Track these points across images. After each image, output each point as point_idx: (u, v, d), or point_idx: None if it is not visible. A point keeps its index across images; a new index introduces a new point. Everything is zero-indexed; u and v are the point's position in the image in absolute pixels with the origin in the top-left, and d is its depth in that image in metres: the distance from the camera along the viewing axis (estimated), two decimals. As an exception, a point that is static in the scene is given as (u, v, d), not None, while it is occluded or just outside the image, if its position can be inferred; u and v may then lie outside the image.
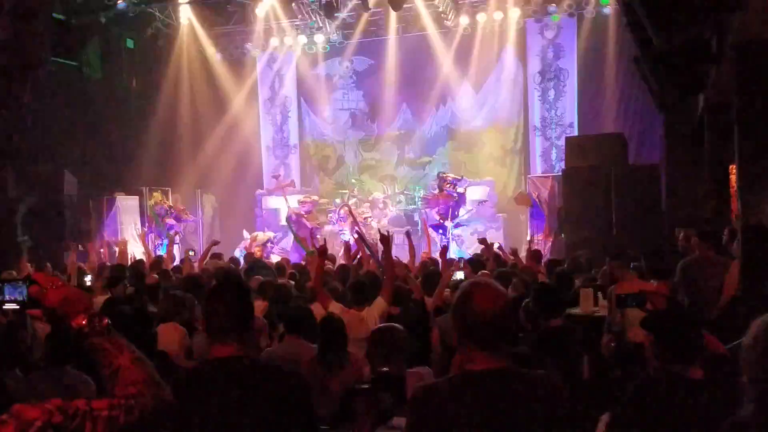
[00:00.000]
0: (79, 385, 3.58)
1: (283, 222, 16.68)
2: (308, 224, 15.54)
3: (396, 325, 3.92)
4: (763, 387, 2.02)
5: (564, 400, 2.25)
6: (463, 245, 15.35)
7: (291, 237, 15.78)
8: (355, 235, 9.92)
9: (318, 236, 15.57)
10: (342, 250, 10.60)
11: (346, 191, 16.89)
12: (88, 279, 7.57)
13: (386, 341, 3.67)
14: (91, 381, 3.58)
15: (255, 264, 9.37)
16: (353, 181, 17.67)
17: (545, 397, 2.22)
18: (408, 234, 9.87)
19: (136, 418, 1.71)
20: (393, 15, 16.40)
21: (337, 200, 16.87)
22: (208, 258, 9.78)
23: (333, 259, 9.97)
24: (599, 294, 6.25)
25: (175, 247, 12.87)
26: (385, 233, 5.86)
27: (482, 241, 9.44)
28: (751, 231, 6.52)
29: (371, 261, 8.23)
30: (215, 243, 10.28)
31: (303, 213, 16.35)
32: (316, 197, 16.95)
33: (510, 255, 9.35)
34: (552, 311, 4.66)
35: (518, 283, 6.28)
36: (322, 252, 5.76)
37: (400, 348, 3.66)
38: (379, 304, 5.15)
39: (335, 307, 5.04)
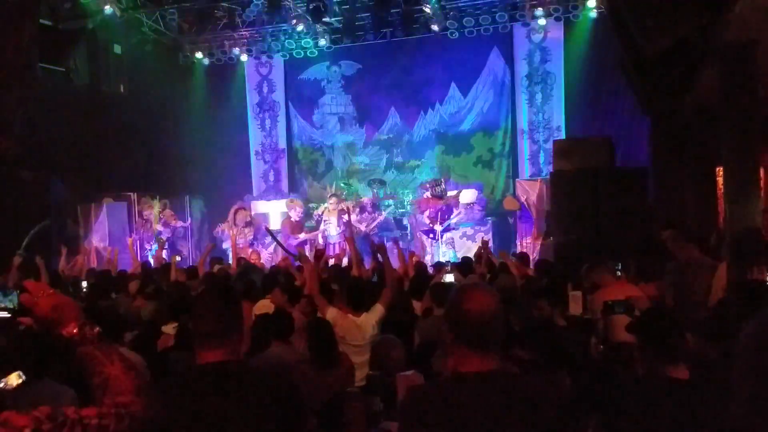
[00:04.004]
0: (59, 396, 3.53)
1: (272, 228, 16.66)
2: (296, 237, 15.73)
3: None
4: (754, 386, 2.04)
5: (557, 403, 2.26)
6: (453, 248, 15.38)
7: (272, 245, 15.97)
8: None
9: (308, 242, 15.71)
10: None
11: (333, 194, 16.84)
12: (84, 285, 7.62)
13: None
14: (73, 392, 3.54)
15: (248, 267, 9.44)
16: (342, 185, 17.69)
17: (538, 399, 2.23)
18: (396, 240, 9.92)
19: (126, 426, 1.70)
20: (381, 20, 16.44)
21: (326, 204, 16.80)
22: (207, 260, 9.83)
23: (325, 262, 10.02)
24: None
25: (164, 252, 12.87)
26: (381, 242, 5.86)
27: (484, 244, 9.90)
28: (739, 233, 6.57)
29: (361, 265, 8.24)
30: (212, 246, 10.32)
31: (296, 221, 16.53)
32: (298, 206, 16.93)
33: (500, 257, 9.48)
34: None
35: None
36: (318, 256, 5.76)
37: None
38: (378, 311, 5.15)
39: (332, 313, 5.05)
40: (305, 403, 2.68)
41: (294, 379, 2.75)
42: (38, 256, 8.65)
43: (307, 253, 9.75)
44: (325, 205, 16.44)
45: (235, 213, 16.51)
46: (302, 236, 16.00)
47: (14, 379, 1.76)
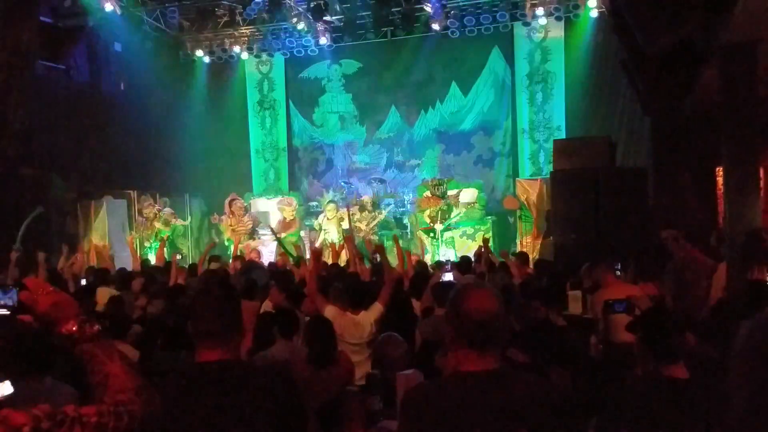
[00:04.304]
0: (59, 394, 3.51)
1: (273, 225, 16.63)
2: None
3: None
4: (751, 387, 2.04)
5: (557, 403, 2.26)
6: (453, 248, 15.37)
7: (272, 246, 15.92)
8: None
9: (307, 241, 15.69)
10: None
11: (330, 200, 16.79)
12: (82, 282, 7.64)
13: None
14: (73, 390, 3.53)
15: (250, 265, 9.45)
16: (342, 183, 17.68)
17: (538, 398, 2.23)
18: (395, 238, 9.90)
19: (126, 424, 1.70)
20: (382, 18, 16.45)
21: (326, 203, 16.79)
22: (207, 258, 9.83)
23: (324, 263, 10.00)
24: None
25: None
26: (378, 241, 5.86)
27: (485, 242, 9.87)
28: (740, 234, 6.57)
29: (359, 264, 8.23)
30: (213, 245, 10.32)
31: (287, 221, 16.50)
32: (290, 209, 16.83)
33: (501, 257, 9.50)
34: None
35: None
36: (317, 256, 5.77)
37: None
38: (377, 309, 5.15)
39: (330, 311, 5.05)
40: (305, 401, 2.67)
41: (293, 378, 2.74)
42: (39, 252, 8.60)
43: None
44: (324, 213, 16.35)
45: (230, 204, 16.49)
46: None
47: (1, 389, 1.74)
